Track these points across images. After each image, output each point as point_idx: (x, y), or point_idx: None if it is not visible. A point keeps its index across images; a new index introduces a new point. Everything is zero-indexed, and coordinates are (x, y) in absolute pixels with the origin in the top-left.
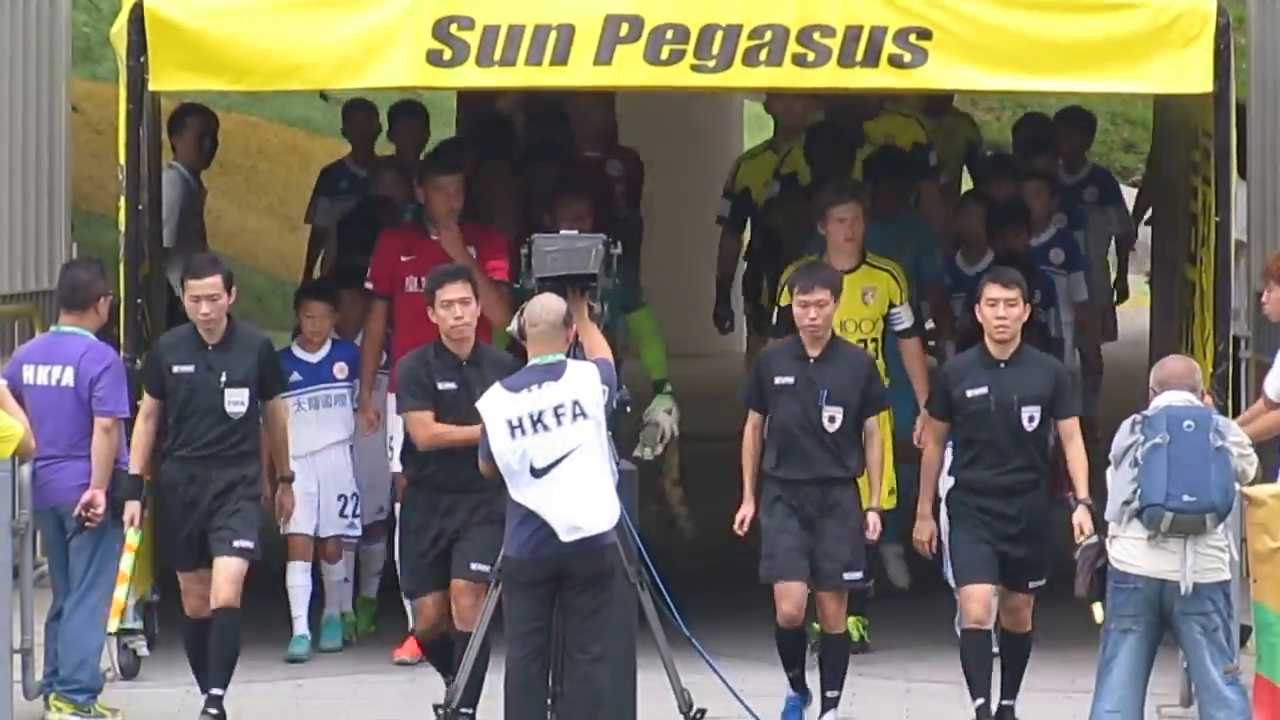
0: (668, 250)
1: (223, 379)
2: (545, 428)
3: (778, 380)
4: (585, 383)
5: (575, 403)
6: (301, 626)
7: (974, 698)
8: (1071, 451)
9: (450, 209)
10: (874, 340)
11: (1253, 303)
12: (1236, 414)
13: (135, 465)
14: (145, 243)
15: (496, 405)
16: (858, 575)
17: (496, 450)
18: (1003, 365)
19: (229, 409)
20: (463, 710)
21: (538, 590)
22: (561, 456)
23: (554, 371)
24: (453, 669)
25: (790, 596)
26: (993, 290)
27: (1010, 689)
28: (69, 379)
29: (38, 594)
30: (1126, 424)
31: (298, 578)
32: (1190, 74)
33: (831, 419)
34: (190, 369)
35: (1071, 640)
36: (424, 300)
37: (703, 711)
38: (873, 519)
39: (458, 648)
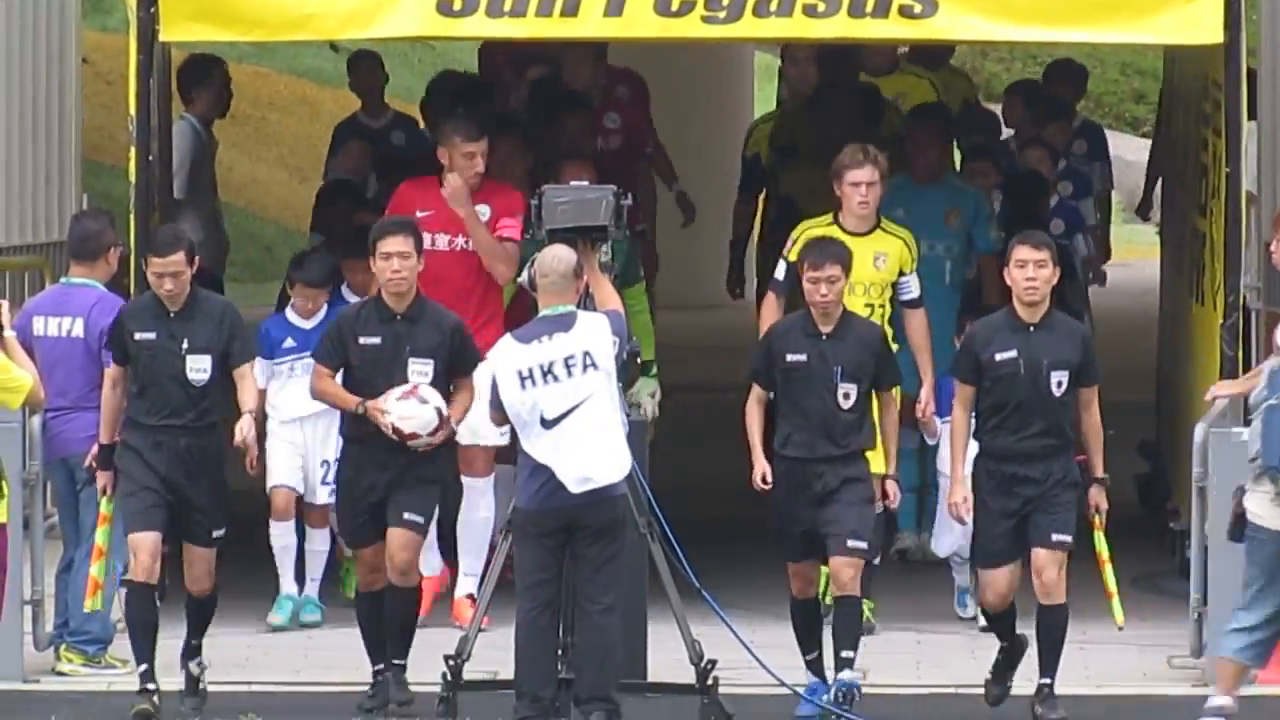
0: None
1: (184, 345)
2: (555, 379)
3: (789, 358)
4: (596, 334)
5: (586, 354)
6: (289, 586)
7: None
8: (1088, 421)
9: (475, 174)
10: (881, 307)
11: (1263, 254)
12: (1247, 367)
13: (105, 434)
14: (155, 194)
15: (507, 356)
16: (863, 545)
17: (506, 401)
18: (1032, 329)
19: (191, 376)
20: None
21: (548, 541)
22: (572, 408)
23: (564, 323)
24: (381, 629)
25: (802, 573)
26: (1022, 252)
27: (1049, 666)
28: (79, 330)
29: (48, 545)
30: (1265, 374)
31: (283, 537)
32: (1200, 25)
33: (846, 396)
34: (152, 336)
35: (1083, 593)
36: (442, 258)
37: (713, 662)
38: (891, 487)
39: (388, 600)
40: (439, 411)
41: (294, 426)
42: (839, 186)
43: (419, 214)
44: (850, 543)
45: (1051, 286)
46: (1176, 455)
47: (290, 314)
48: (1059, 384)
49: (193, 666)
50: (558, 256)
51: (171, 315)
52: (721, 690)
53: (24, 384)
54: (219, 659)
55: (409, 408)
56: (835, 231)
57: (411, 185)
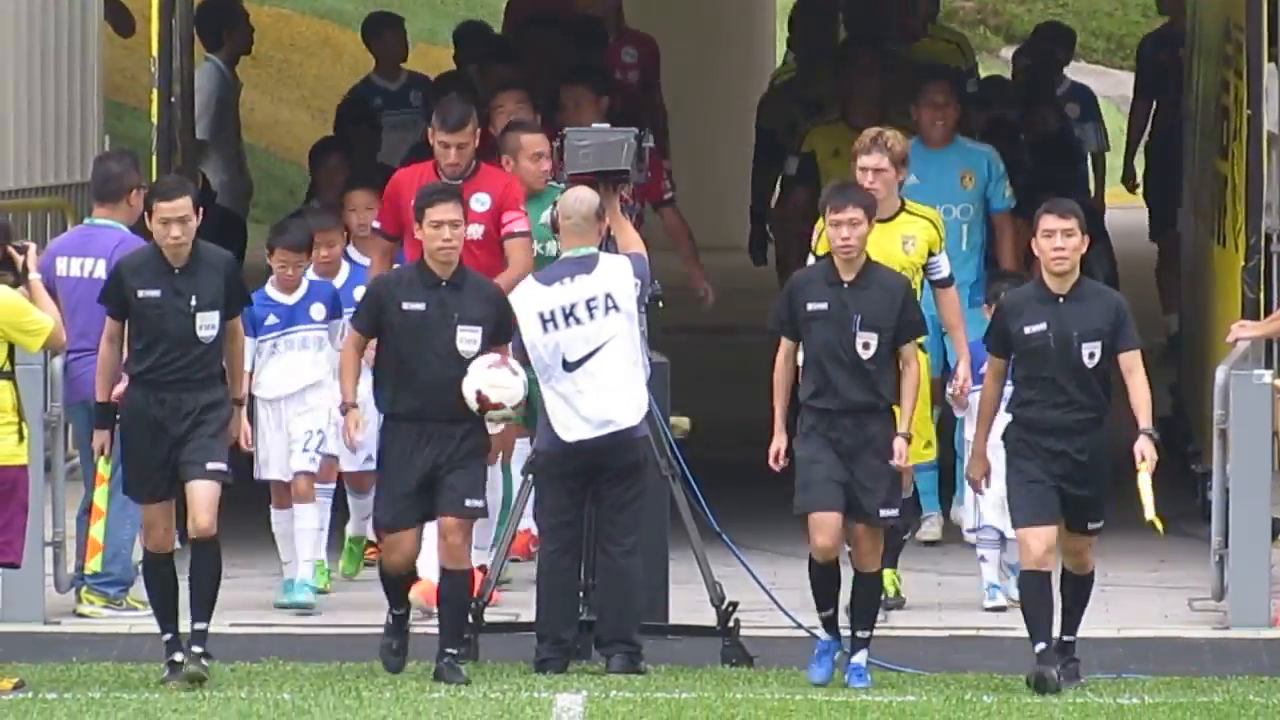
0: (689, 142)
1: (193, 303)
2: (577, 321)
3: (810, 307)
4: (617, 276)
5: (608, 296)
6: (293, 570)
7: (1034, 642)
8: (1134, 384)
9: (449, 165)
10: (915, 290)
11: None
12: (1269, 310)
13: (102, 392)
14: (177, 135)
15: (529, 298)
16: (894, 513)
17: (528, 343)
18: (1061, 300)
19: (200, 334)
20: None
21: (570, 483)
22: (594, 350)
23: (586, 264)
24: (405, 601)
25: (825, 528)
26: (1049, 221)
27: (1071, 626)
28: (101, 272)
29: (69, 487)
30: None
31: (283, 525)
32: None
33: (866, 345)
34: (157, 293)
35: (1102, 534)
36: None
37: (735, 604)
38: (899, 444)
39: (442, 585)
40: (525, 386)
41: (278, 406)
42: (853, 170)
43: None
44: (883, 512)
45: (1081, 255)
46: (1198, 398)
47: (270, 289)
48: (1090, 355)
49: (192, 666)
50: (580, 198)
51: (176, 271)
52: (743, 632)
53: (44, 327)
54: (239, 600)
55: (501, 376)
56: None
57: (406, 173)
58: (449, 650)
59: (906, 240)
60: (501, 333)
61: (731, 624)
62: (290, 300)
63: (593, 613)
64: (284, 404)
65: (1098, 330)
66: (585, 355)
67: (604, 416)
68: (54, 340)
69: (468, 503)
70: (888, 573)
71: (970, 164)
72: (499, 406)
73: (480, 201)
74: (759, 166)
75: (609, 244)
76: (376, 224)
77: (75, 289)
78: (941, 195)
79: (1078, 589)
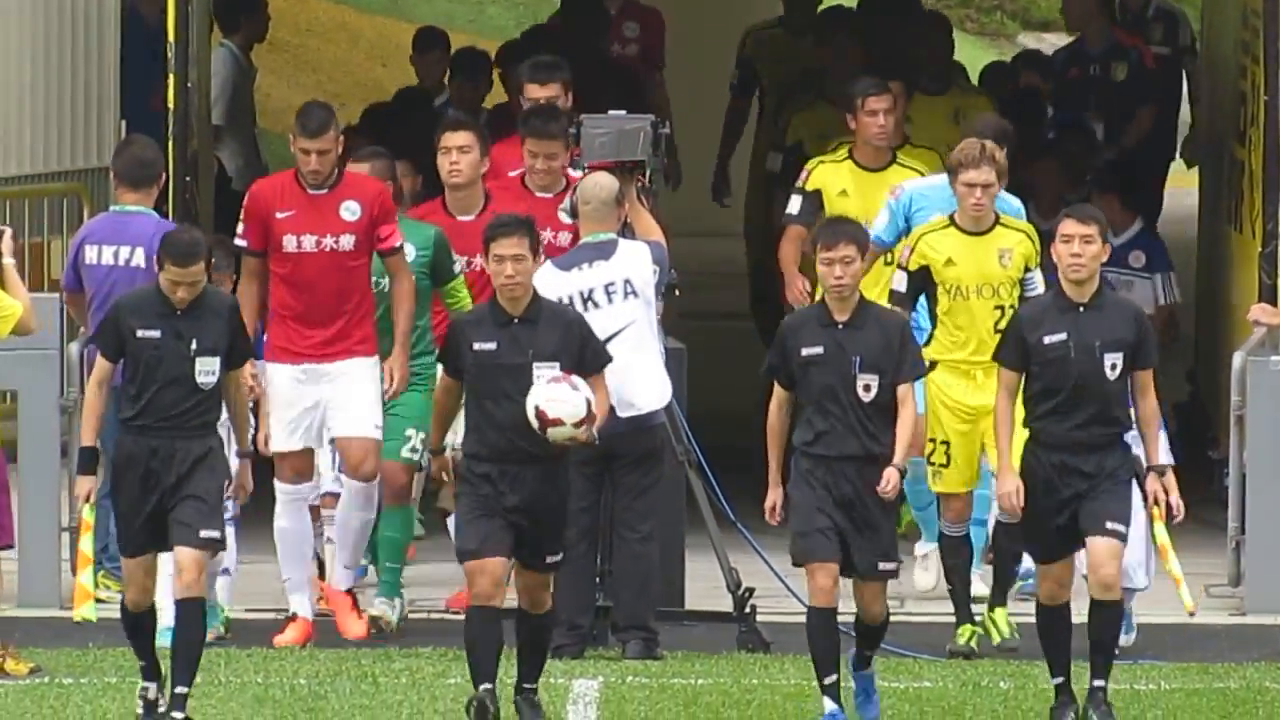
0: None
1: (193, 346)
2: (595, 305)
3: (805, 351)
4: (636, 261)
5: (626, 281)
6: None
7: (1054, 675)
8: (1146, 407)
9: (310, 171)
10: (1012, 307)
11: None
12: None
13: (88, 437)
14: (194, 120)
15: (547, 283)
16: (892, 566)
17: None
18: (1081, 309)
19: (199, 379)
20: None
21: (587, 469)
22: (612, 335)
23: (605, 250)
24: (493, 674)
25: (821, 579)
26: (1068, 226)
27: (1101, 669)
28: (139, 259)
29: None
30: None
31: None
32: None
33: (867, 388)
34: (156, 334)
35: None
36: (312, 260)
37: (751, 590)
38: (889, 473)
39: (521, 626)
40: (589, 403)
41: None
42: (953, 183)
43: (278, 214)
44: (881, 566)
45: (1101, 263)
46: (1215, 384)
47: None
48: (1113, 366)
49: None
50: (599, 183)
51: (178, 313)
52: (759, 618)
53: (14, 311)
54: (254, 586)
55: (559, 391)
56: (953, 232)
57: (265, 183)
58: (526, 685)
59: (1003, 254)
60: (589, 361)
61: (748, 610)
62: None
63: (609, 598)
64: None
65: (1120, 340)
66: (603, 340)
67: (622, 401)
68: (23, 326)
69: (549, 560)
70: (999, 611)
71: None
72: (559, 423)
73: (350, 210)
74: (735, 101)
75: (626, 231)
76: (242, 241)
77: (107, 276)
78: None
79: (1104, 621)
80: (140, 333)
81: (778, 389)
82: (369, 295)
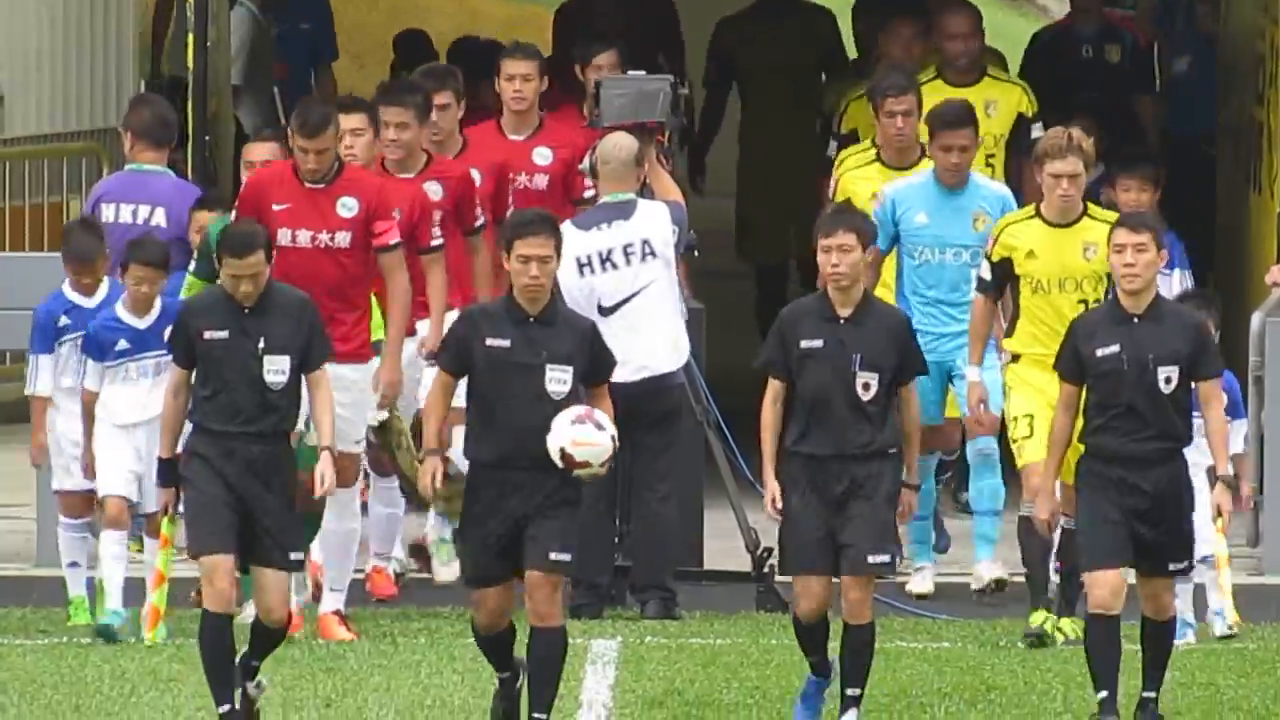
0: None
1: (260, 345)
2: (614, 265)
3: (804, 344)
4: (655, 222)
5: (645, 241)
6: (117, 601)
7: (1097, 690)
8: (1211, 417)
9: (309, 170)
10: (1096, 302)
11: None
12: None
13: (166, 448)
14: (213, 79)
15: (567, 242)
16: (885, 559)
17: (564, 287)
18: (1136, 320)
19: (267, 378)
20: None
21: None
22: (630, 295)
23: (624, 210)
24: (511, 664)
25: (810, 593)
26: (1120, 235)
27: (1153, 681)
28: (160, 218)
29: None
30: None
31: (113, 546)
32: None
33: (866, 386)
34: (224, 334)
35: None
36: (306, 255)
37: (770, 550)
38: (907, 497)
39: (533, 644)
40: (614, 440)
41: (129, 432)
42: (1039, 173)
43: (274, 207)
44: (870, 560)
45: (1156, 271)
46: (1233, 345)
47: (120, 309)
48: (1168, 380)
49: (250, 688)
50: (619, 144)
51: (245, 311)
52: (777, 578)
53: None
54: None
55: (586, 433)
56: (1037, 224)
57: (265, 173)
58: (535, 716)
59: (1088, 247)
60: (597, 369)
61: (766, 569)
62: (141, 324)
63: (628, 558)
64: (130, 431)
65: (1175, 353)
66: (621, 300)
67: (639, 361)
68: None
69: (552, 556)
70: (1065, 621)
71: (984, 205)
72: (585, 465)
73: (347, 207)
74: (711, 95)
75: (645, 192)
76: None
77: (125, 235)
78: (951, 237)
79: (1159, 638)
80: (208, 334)
81: (772, 382)
82: (365, 295)
